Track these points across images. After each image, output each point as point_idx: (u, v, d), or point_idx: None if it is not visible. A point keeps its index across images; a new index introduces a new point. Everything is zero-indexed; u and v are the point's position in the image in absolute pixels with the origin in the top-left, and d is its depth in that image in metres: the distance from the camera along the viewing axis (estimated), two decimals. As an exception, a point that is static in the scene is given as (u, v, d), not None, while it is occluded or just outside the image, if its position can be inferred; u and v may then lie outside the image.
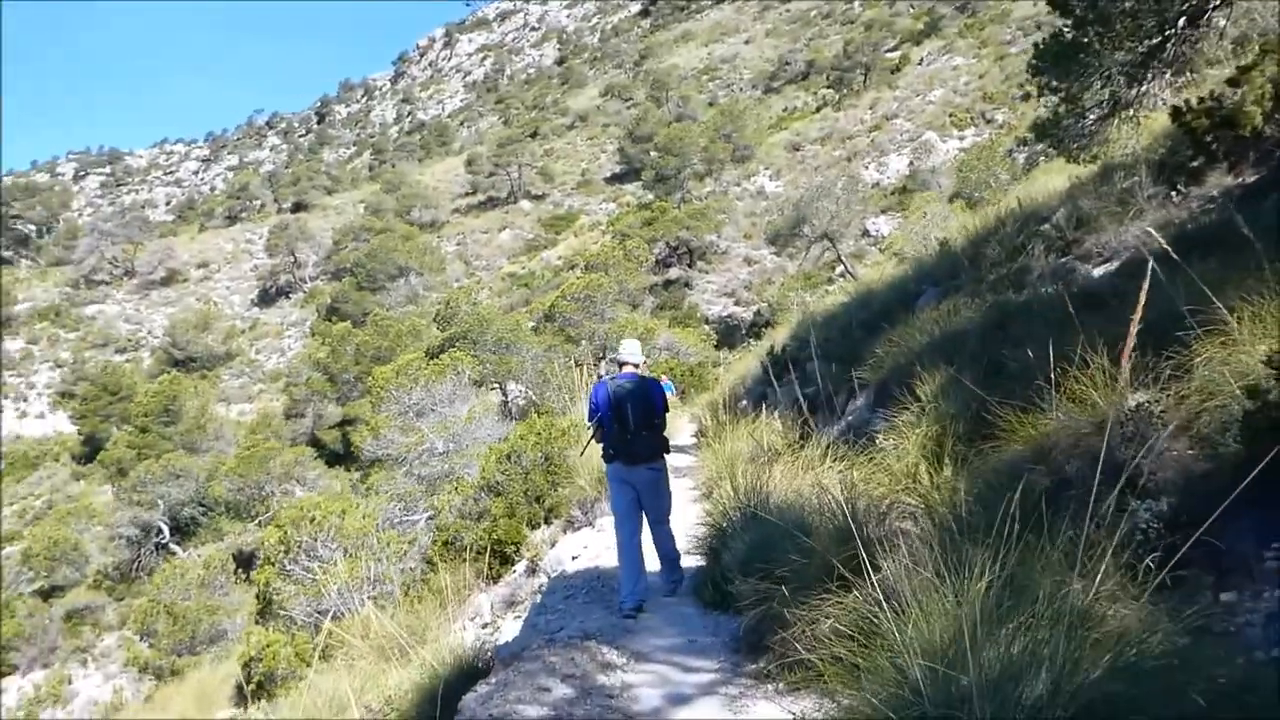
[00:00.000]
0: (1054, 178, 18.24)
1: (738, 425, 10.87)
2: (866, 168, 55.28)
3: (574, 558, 8.49)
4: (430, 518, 13.73)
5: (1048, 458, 5.21)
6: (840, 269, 41.22)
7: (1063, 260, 10.87)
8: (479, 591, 11.01)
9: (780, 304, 38.44)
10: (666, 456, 6.85)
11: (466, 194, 79.95)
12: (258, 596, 14.20)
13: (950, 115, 56.62)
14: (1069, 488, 4.89)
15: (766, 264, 49.43)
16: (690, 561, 7.45)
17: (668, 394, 8.20)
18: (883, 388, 10.29)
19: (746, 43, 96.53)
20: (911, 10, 79.00)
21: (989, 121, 54.49)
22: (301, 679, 12.50)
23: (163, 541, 34.13)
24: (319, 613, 13.16)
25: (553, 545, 10.26)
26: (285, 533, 13.43)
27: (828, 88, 72.84)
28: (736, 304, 46.88)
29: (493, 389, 24.35)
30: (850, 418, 11.27)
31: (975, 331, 9.15)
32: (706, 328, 39.85)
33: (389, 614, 11.56)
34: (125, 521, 34.00)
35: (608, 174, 75.36)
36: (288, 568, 13.49)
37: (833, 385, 12.83)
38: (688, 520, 8.59)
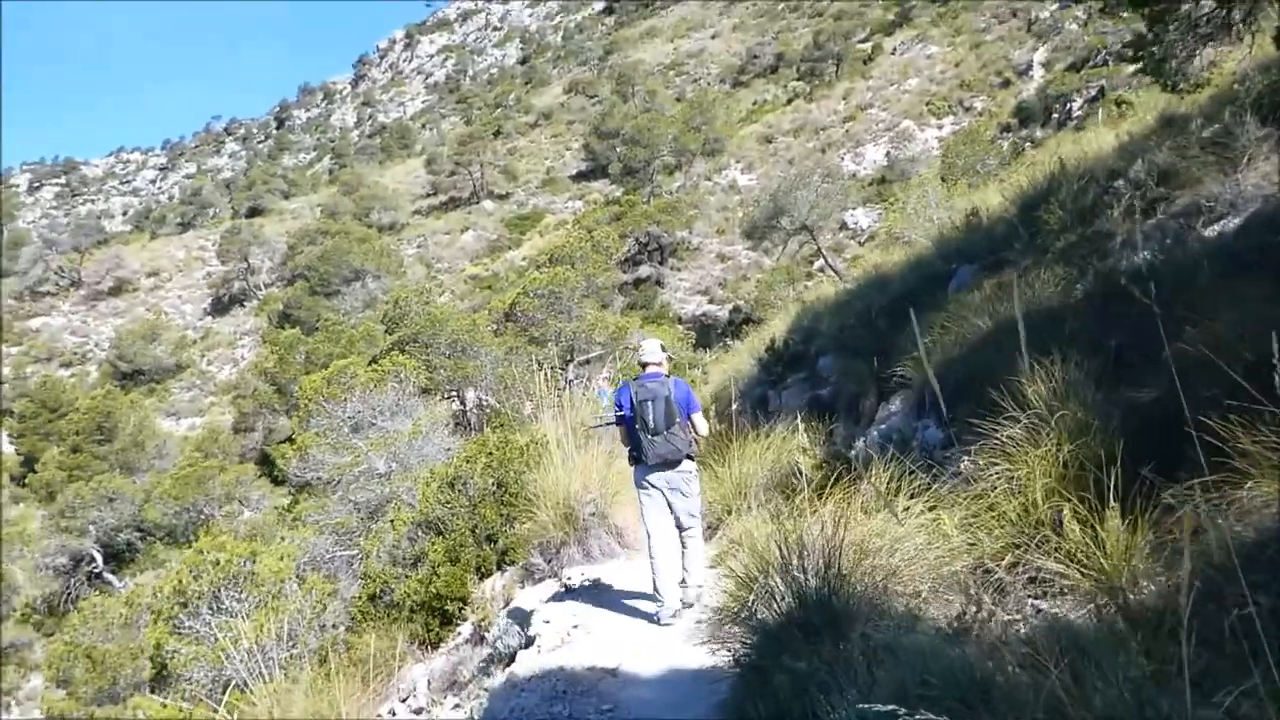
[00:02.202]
0: (1075, 147, 16.03)
1: (743, 439, 8.48)
2: (842, 159, 53.13)
3: (531, 641, 6.06)
4: (358, 560, 11.21)
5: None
6: (819, 262, 39.12)
7: (1151, 221, 8.56)
8: (413, 661, 8.55)
9: (760, 300, 36.21)
10: (692, 460, 6.62)
11: (427, 195, 77.05)
12: (151, 660, 11.64)
13: (927, 104, 54.69)
14: None
15: (741, 260, 47.14)
16: (705, 657, 5.04)
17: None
18: (929, 387, 7.95)
19: (713, 37, 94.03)
20: (881, 1, 76.87)
21: (968, 109, 52.57)
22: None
23: (96, 571, 31.28)
24: (224, 681, 10.62)
25: (506, 604, 7.81)
26: (180, 582, 10.90)
27: (798, 80, 70.64)
28: (711, 302, 44.56)
29: (448, 398, 21.82)
30: (883, 425, 8.89)
31: (1074, 311, 6.82)
32: (680, 327, 37.47)
33: (300, 690, 9.02)
34: (53, 549, 31.04)
35: (573, 171, 72.74)
36: (185, 624, 10.96)
37: (855, 385, 10.46)
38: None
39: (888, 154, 51.92)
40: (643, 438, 6.36)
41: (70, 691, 21.81)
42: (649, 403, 6.35)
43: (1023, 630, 3.98)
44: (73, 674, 21.66)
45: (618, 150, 57.25)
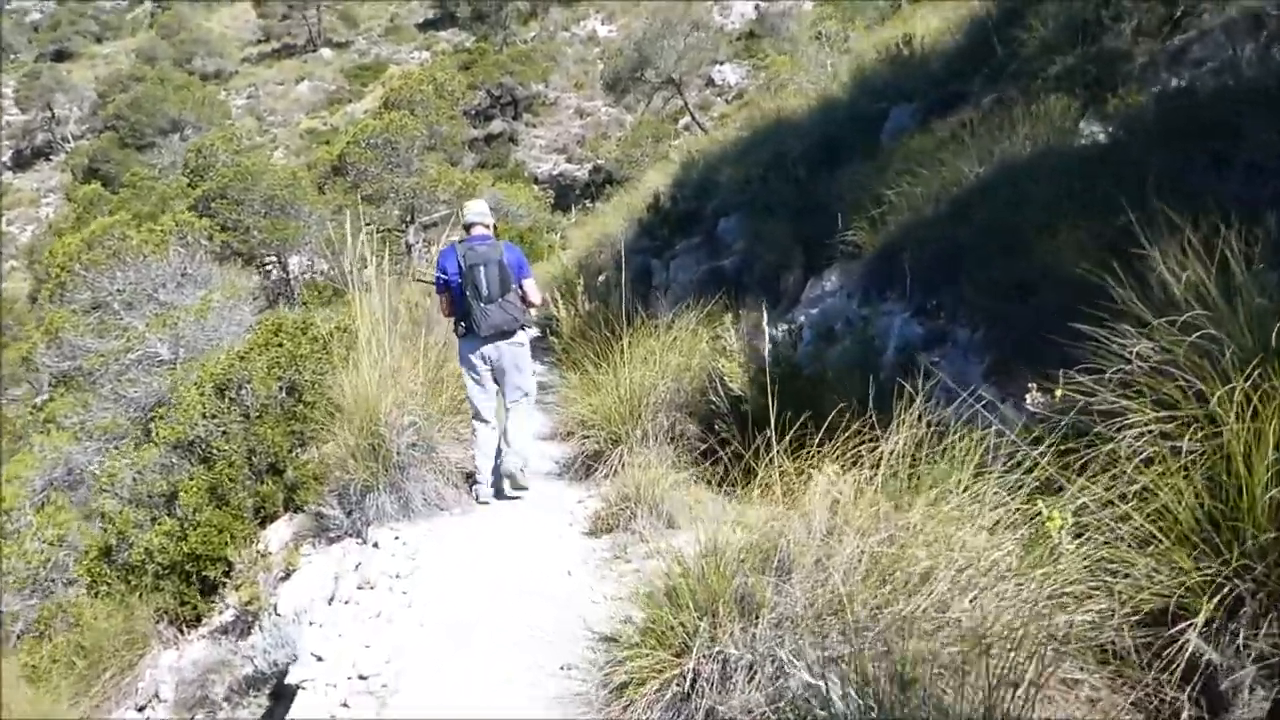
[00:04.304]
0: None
1: (634, 331, 6.08)
2: (709, 11, 50.00)
3: (291, 695, 3.63)
4: (98, 493, 8.43)
5: None
6: (685, 119, 36.63)
7: (1180, 40, 6.37)
8: (161, 647, 6.03)
9: (623, 159, 33.62)
10: (526, 331, 6.13)
11: (259, 41, 70.41)
12: None
13: (799, -48, 51.71)
14: None
15: (601, 116, 44.08)
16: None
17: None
18: (896, 258, 5.66)
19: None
20: None
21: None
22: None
23: None
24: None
25: (286, 575, 5.32)
26: None
27: (662, -76, 66.38)
28: (569, 161, 41.57)
29: (265, 266, 18.67)
30: (814, 310, 6.62)
31: (1124, 153, 4.60)
32: (536, 187, 34.59)
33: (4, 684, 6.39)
34: None
35: (420, 19, 67.28)
36: None
37: (772, 254, 8.08)
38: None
39: (757, 7, 49.16)
40: (474, 306, 5.79)
41: None
42: (480, 267, 5.79)
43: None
44: None
45: (468, -8, 52.74)
